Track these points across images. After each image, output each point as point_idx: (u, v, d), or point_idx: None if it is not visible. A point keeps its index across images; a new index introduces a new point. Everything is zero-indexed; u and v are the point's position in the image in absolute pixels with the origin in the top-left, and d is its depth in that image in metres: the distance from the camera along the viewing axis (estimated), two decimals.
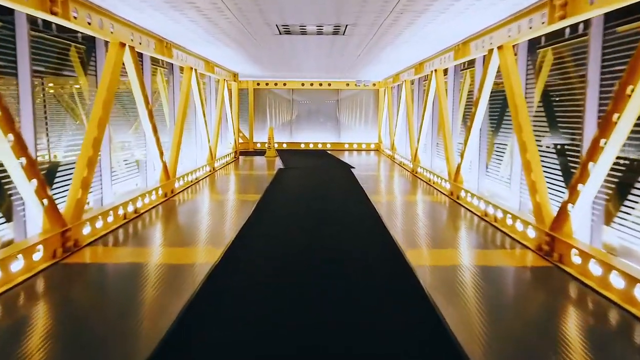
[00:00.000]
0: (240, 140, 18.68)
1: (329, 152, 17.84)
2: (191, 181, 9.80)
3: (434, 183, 9.75)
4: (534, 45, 6.57)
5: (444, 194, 8.76)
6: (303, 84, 18.49)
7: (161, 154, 7.87)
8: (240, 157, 15.70)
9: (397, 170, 12.69)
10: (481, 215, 6.89)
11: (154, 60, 8.90)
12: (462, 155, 8.00)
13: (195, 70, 10.02)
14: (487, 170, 8.09)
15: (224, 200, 8.32)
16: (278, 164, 13.99)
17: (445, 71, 10.04)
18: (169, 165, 8.49)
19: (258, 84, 18.46)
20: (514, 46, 6.43)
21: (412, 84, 13.28)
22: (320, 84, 18.53)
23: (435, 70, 9.71)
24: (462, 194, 7.89)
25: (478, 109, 7.30)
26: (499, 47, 6.34)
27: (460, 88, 9.72)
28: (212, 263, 4.74)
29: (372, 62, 11.95)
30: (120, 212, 6.34)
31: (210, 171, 11.45)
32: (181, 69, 9.82)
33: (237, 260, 4.89)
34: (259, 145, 18.75)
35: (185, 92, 9.23)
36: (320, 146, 18.80)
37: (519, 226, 5.77)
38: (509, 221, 6.03)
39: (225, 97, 13.92)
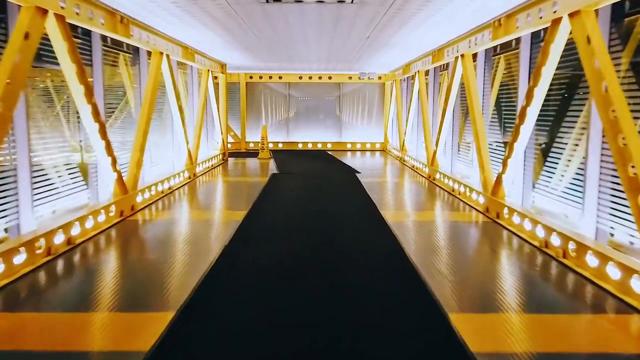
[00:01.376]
0: (231, 140, 16.86)
1: (329, 153, 16.02)
2: (162, 192, 7.98)
3: (460, 194, 7.94)
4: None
5: (477, 210, 6.95)
6: (301, 77, 16.66)
7: (113, 161, 6.05)
8: (229, 159, 13.87)
9: (409, 175, 10.88)
10: (539, 245, 5.08)
11: (116, 43, 7.08)
12: (504, 163, 6.18)
13: (168, 56, 8.19)
14: (538, 184, 6.28)
15: (193, 223, 6.44)
16: (272, 167, 12.18)
17: (474, 57, 8.22)
18: (128, 175, 6.68)
19: (251, 77, 16.63)
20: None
21: (427, 75, 11.45)
22: (320, 77, 16.70)
23: (462, 56, 7.88)
24: (505, 212, 6.08)
25: (532, 103, 5.48)
26: (573, 14, 4.52)
27: (492, 78, 7.91)
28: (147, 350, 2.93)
29: (381, 49, 10.13)
30: (42, 243, 4.52)
31: (189, 178, 9.63)
32: (149, 54, 7.99)
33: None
34: (252, 145, 16.92)
35: (152, 82, 7.41)
36: (320, 146, 16.98)
37: (612, 273, 3.97)
38: (592, 261, 4.22)
39: (210, 91, 12.09)
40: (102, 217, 5.72)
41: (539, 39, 6.27)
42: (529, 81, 6.24)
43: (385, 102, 16.80)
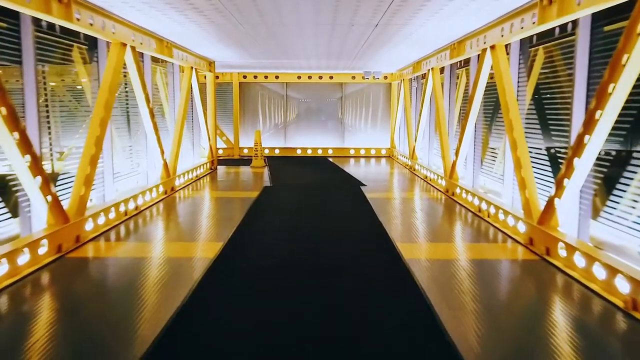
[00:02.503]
0: (224, 146, 15.43)
1: (330, 159, 14.56)
2: (125, 214, 6.54)
3: (489, 217, 6.49)
4: None
5: (517, 241, 5.48)
6: (299, 77, 15.23)
7: (45, 181, 4.60)
8: (220, 167, 12.42)
9: (422, 188, 9.42)
10: (625, 306, 3.61)
11: (67, 32, 5.64)
12: (559, 184, 4.71)
13: (134, 49, 6.76)
14: (604, 211, 4.79)
15: (147, 263, 4.99)
16: (265, 178, 10.73)
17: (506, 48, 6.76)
18: (72, 197, 5.24)
19: (244, 77, 15.20)
20: None
21: (442, 72, 10.00)
22: (321, 77, 15.26)
23: (492, 48, 6.43)
24: (561, 248, 4.61)
25: (606, 105, 4.02)
26: None
27: (528, 73, 6.45)
28: None
29: (388, 43, 8.69)
30: None
31: (165, 193, 8.19)
32: (109, 45, 6.55)
33: None
34: (246, 151, 15.48)
35: (109, 79, 5.97)
36: (320, 152, 15.53)
37: None
38: None
39: (194, 91, 10.65)
40: (24, 258, 4.28)
41: (600, 22, 4.81)
42: (589, 76, 4.82)
43: (391, 104, 15.35)
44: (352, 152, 15.53)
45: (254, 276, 4.33)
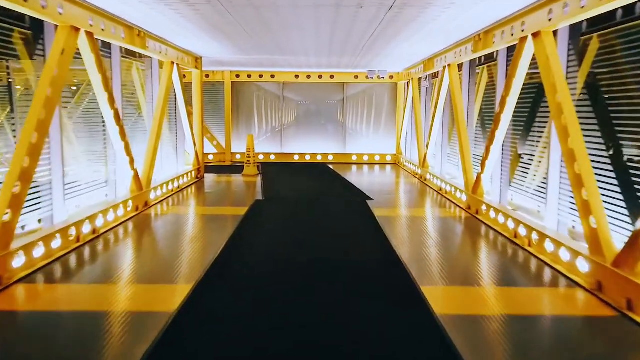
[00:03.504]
0: (214, 151, 14.14)
1: (330, 166, 13.27)
2: (75, 240, 5.24)
3: (532, 245, 5.21)
4: None
5: (584, 287, 4.20)
6: (297, 76, 13.95)
7: None
8: (207, 176, 11.12)
9: (437, 202, 8.14)
10: None
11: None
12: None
13: (90, 35, 5.47)
14: None
15: (100, 316, 3.71)
16: (258, 189, 9.45)
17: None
18: None
19: (237, 76, 13.91)
20: None
21: (461, 70, 8.73)
22: (320, 77, 13.98)
23: (535, 35, 5.17)
24: None
25: None
26: None
27: (579, 61, 5.19)
28: None
29: (399, 35, 7.44)
30: None
31: (135, 210, 6.89)
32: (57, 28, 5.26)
33: None
34: (239, 156, 14.19)
35: (53, 69, 4.68)
36: (319, 158, 14.24)
37: None
38: None
39: (176, 90, 9.36)
40: None
41: None
42: None
43: (398, 106, 14.08)
44: (354, 158, 14.24)
45: (224, 344, 3.04)
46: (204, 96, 10.74)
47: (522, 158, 6.52)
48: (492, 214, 6.40)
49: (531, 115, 6.30)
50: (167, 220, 6.68)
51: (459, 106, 8.08)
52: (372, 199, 8.32)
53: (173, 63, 8.60)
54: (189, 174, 9.91)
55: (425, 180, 10.32)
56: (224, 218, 6.83)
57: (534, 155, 6.26)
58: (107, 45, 6.81)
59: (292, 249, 5.32)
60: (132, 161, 6.76)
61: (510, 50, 6.80)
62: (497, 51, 7.13)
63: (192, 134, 10.07)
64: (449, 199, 8.30)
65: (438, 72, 10.40)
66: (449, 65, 8.59)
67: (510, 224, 5.79)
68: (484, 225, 6.42)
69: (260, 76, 13.92)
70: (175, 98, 9.64)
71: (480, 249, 5.49)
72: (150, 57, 8.39)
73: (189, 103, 10.14)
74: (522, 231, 5.47)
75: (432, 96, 11.37)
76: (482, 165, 6.80)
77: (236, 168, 12.50)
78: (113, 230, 5.96)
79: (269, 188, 9.48)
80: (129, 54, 7.79)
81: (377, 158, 14.23)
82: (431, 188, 9.59)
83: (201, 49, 9.54)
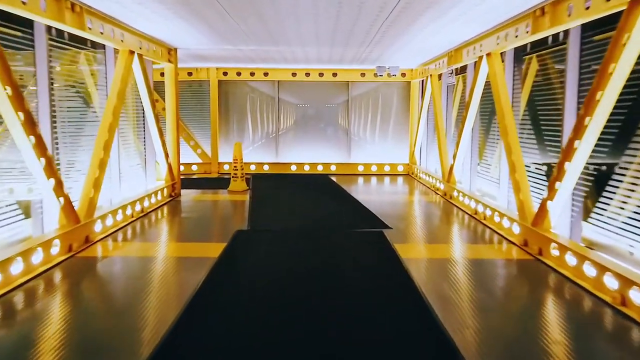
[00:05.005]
0: (199, 160, 12.21)
1: (333, 178, 11.33)
2: None
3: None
4: None
5: None
6: (294, 74, 12.04)
7: None
8: (185, 192, 9.18)
9: (477, 232, 6.22)
10: None
11: None
12: None
13: None
14: None
15: None
16: (244, 211, 7.52)
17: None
18: None
19: (225, 74, 12.00)
20: None
21: (503, 61, 6.82)
22: (321, 74, 12.07)
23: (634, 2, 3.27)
24: None
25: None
26: None
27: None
28: None
29: (421, 18, 5.53)
30: None
31: (67, 251, 4.95)
32: None
33: None
34: (227, 167, 12.25)
35: None
36: (320, 169, 12.31)
37: None
38: None
39: (140, 87, 7.43)
40: None
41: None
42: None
43: (411, 108, 12.16)
44: (360, 168, 12.31)
45: None
46: (179, 95, 8.81)
47: (607, 180, 4.59)
48: (572, 259, 4.47)
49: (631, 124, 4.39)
50: (104, 271, 4.73)
51: (505, 106, 6.16)
52: (389, 228, 6.38)
53: (132, 53, 6.67)
54: (160, 192, 7.96)
55: (451, 198, 8.39)
56: (187, 266, 4.88)
57: (623, 175, 4.36)
58: (27, 25, 4.90)
59: (280, 331, 3.37)
60: (58, 184, 4.81)
61: (591, 27, 4.90)
62: (566, 31, 5.24)
63: (163, 142, 8.12)
64: (489, 227, 6.36)
65: (466, 66, 8.52)
66: (487, 54, 6.67)
67: (611, 282, 3.85)
68: (559, 276, 4.49)
69: (252, 74, 12.01)
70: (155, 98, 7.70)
71: (545, 309, 3.54)
72: (112, 47, 6.47)
73: (157, 103, 8.23)
74: (635, 295, 3.53)
75: (454, 95, 9.49)
76: (551, 188, 4.88)
77: (223, 181, 10.55)
78: (23, 288, 4.02)
79: (258, 210, 7.54)
80: (74, 40, 5.90)
81: (386, 168, 12.30)
82: (459, 209, 7.66)
83: (175, 38, 7.63)
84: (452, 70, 8.38)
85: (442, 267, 4.76)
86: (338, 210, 7.76)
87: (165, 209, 7.71)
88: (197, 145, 12.21)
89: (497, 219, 6.32)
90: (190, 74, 11.87)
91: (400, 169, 12.28)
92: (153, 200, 7.60)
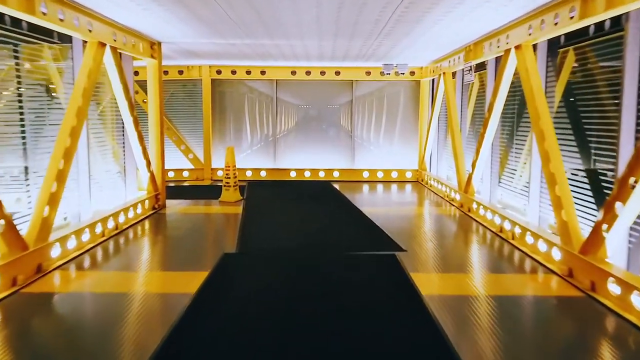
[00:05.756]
0: (191, 166, 11.28)
1: (336, 186, 10.38)
2: None
3: None
4: None
5: None
6: (294, 72, 11.10)
7: None
8: (171, 203, 8.24)
9: (503, 254, 5.27)
10: None
11: None
12: None
13: None
14: None
15: None
16: (235, 228, 6.58)
17: None
18: None
19: (218, 72, 11.07)
20: None
21: (535, 49, 5.86)
22: (323, 72, 11.13)
23: None
24: None
25: None
26: None
27: None
28: None
29: (433, 11, 4.61)
30: None
31: (10, 285, 4.01)
32: None
33: None
34: (220, 173, 11.32)
35: None
36: (322, 175, 11.36)
37: None
38: None
39: (114, 86, 6.48)
40: None
41: None
42: None
43: (420, 109, 11.20)
44: (365, 175, 11.35)
45: None
46: (163, 95, 7.86)
47: None
48: (638, 301, 3.52)
49: None
50: (53, 311, 3.80)
51: (540, 107, 5.20)
52: (403, 250, 5.43)
53: (104, 45, 5.74)
54: (140, 204, 7.02)
55: (469, 210, 7.43)
56: (155, 305, 3.93)
57: None
58: None
59: None
60: None
61: None
62: (622, 16, 4.29)
63: (143, 148, 7.17)
64: (520, 249, 5.40)
65: (484, 63, 7.58)
66: (517, 47, 5.72)
67: None
68: (621, 321, 3.54)
69: (248, 72, 11.07)
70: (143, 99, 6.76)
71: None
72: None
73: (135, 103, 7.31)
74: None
75: (469, 95, 8.54)
76: (608, 209, 3.92)
77: (215, 190, 9.60)
78: None
79: (250, 226, 6.59)
80: (33, 30, 4.99)
81: (394, 175, 11.34)
82: (480, 224, 6.70)
83: (156, 29, 6.69)
84: (471, 66, 7.46)
85: (475, 310, 3.80)
86: (342, 225, 6.80)
87: (146, 224, 6.77)
88: (189, 150, 11.27)
89: (529, 239, 5.36)
90: (181, 72, 10.94)
91: (408, 175, 11.32)
92: (131, 214, 6.65)
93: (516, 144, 6.79)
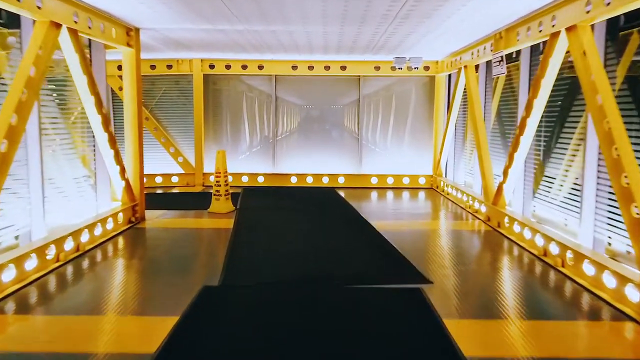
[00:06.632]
0: (180, 171, 10.21)
1: (341, 193, 9.27)
2: None
3: None
4: None
5: None
6: (295, 67, 10.01)
7: None
8: (151, 215, 7.15)
9: (550, 287, 4.17)
10: None
11: None
12: None
13: None
14: None
15: None
16: (222, 248, 5.49)
17: None
18: None
19: (212, 67, 9.99)
20: None
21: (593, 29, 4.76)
22: (327, 67, 10.03)
23: None
24: None
25: None
26: None
27: None
28: None
29: None
30: None
31: None
32: None
33: None
34: (213, 178, 10.21)
35: None
36: (325, 181, 10.26)
37: None
38: None
39: (74, 77, 5.37)
40: None
41: None
42: None
43: (435, 108, 10.09)
44: (373, 181, 10.25)
45: None
46: (141, 90, 6.76)
47: None
48: None
49: None
50: None
51: (607, 101, 4.09)
52: (429, 282, 4.33)
53: (59, 26, 4.66)
54: (112, 218, 5.94)
55: (499, 226, 6.32)
56: None
57: None
58: None
59: None
60: None
61: None
62: None
63: (116, 152, 6.09)
64: (575, 282, 4.30)
65: (513, 53, 6.50)
66: (569, 28, 4.62)
67: None
68: None
69: (244, 67, 9.99)
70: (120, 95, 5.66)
71: None
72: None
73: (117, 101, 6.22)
74: None
75: (494, 91, 7.46)
76: None
77: (206, 198, 8.44)
78: None
79: (240, 249, 5.49)
80: None
81: (405, 181, 10.23)
82: (515, 243, 5.59)
83: (131, 12, 5.61)
84: (502, 57, 6.36)
85: None
86: (350, 245, 5.70)
87: (118, 242, 5.69)
88: (178, 152, 10.20)
89: (588, 269, 4.25)
90: (170, 66, 9.87)
91: (421, 181, 10.21)
92: (98, 231, 5.57)
93: (557, 146, 5.69)
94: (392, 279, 4.47)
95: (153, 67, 9.81)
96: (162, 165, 10.13)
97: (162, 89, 10.13)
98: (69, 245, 4.91)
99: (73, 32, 4.95)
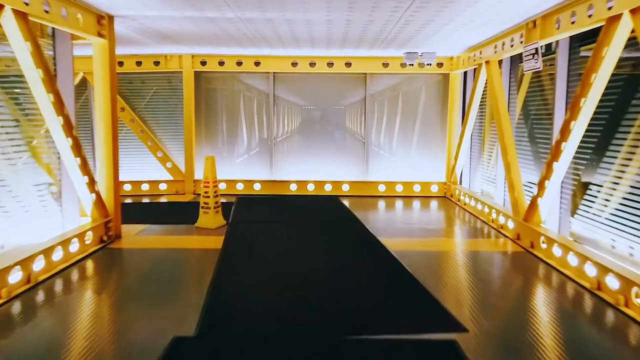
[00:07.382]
0: (169, 177, 9.30)
1: (346, 203, 8.35)
2: None
3: None
4: None
5: None
6: (295, 63, 9.09)
7: None
8: (129, 231, 6.23)
9: (622, 339, 3.25)
10: None
11: None
12: None
13: None
14: None
15: None
16: (205, 276, 4.57)
17: None
18: None
19: (203, 63, 9.07)
20: None
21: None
22: (330, 64, 9.11)
23: None
24: None
25: None
26: None
27: None
28: None
29: None
30: None
31: None
32: None
33: None
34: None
35: None
36: (328, 189, 9.33)
37: None
38: None
39: (27, 67, 4.44)
40: None
41: None
42: None
43: (450, 109, 9.16)
44: (381, 189, 9.32)
45: None
46: (116, 87, 5.83)
47: None
48: None
49: None
50: None
51: None
52: (464, 330, 3.40)
53: (1, 7, 3.75)
54: (78, 238, 5.02)
55: (533, 247, 5.39)
56: None
57: None
58: None
59: None
60: None
61: None
62: None
63: (82, 159, 5.17)
64: None
65: (553, 43, 5.58)
66: (633, 10, 3.70)
67: None
68: None
69: (239, 63, 9.08)
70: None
71: None
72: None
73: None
74: None
75: (518, 89, 6.55)
76: None
77: (197, 208, 7.51)
78: None
79: (226, 280, 4.56)
80: None
81: (416, 189, 9.30)
82: (554, 269, 4.67)
83: None
84: (536, 49, 5.44)
85: None
86: (359, 275, 4.76)
87: (87, 267, 4.79)
88: (167, 157, 9.29)
89: None
90: (157, 62, 8.96)
91: (434, 189, 9.28)
92: (58, 255, 4.65)
93: (609, 153, 4.77)
94: (415, 323, 3.54)
95: (139, 63, 8.91)
96: (149, 171, 9.22)
97: (153, 88, 9.24)
98: (15, 277, 3.99)
99: (20, 15, 4.03)
